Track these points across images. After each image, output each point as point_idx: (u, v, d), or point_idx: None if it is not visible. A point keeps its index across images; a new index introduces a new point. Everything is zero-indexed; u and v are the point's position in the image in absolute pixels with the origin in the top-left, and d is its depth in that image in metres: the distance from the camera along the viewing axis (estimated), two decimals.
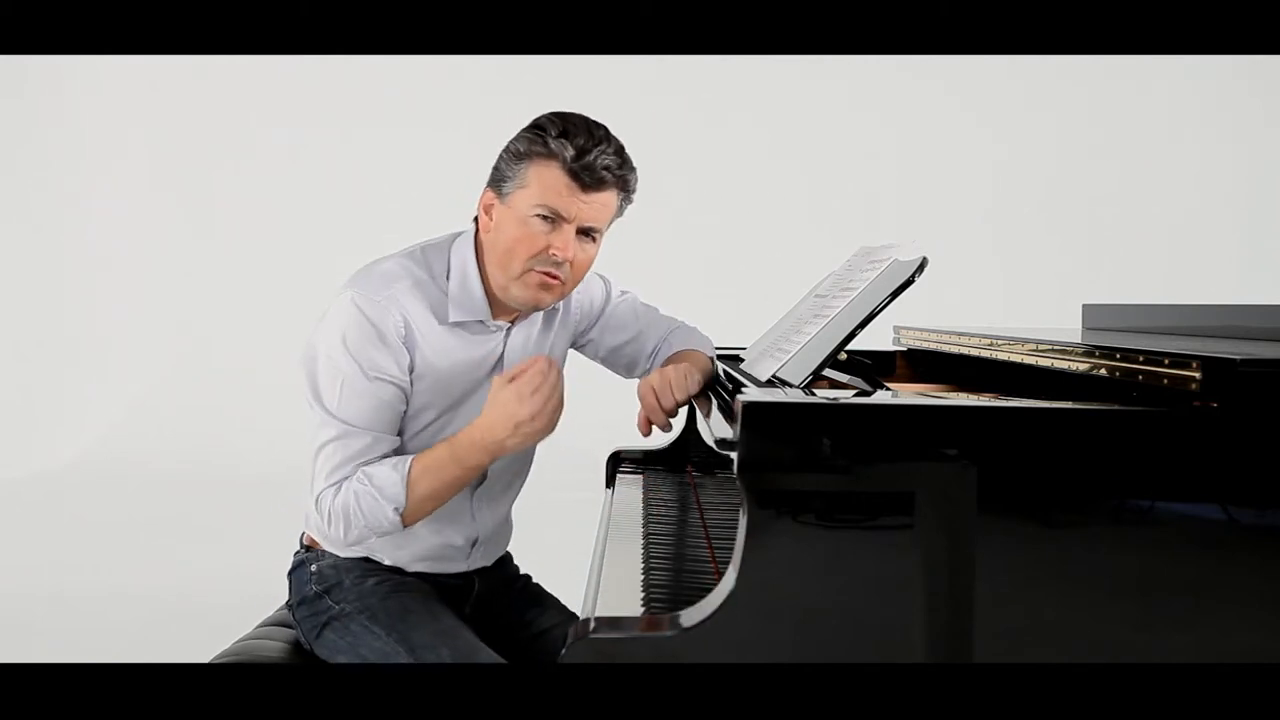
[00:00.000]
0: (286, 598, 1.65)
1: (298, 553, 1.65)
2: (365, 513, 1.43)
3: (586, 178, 1.43)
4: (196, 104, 5.91)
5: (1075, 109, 5.73)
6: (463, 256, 1.54)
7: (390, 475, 1.44)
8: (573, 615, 1.69)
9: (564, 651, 1.11)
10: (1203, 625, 1.11)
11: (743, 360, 1.78)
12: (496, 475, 1.65)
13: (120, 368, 5.85)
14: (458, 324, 1.53)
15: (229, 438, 5.50)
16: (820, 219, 5.56)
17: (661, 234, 4.88)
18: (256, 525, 4.16)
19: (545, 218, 1.44)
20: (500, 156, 1.50)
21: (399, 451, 1.52)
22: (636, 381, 1.54)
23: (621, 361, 1.79)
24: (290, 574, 1.65)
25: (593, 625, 1.13)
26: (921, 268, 1.37)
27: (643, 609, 1.29)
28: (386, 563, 1.59)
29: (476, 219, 1.56)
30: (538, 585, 1.80)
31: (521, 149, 1.46)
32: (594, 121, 1.47)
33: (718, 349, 2.07)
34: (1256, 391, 1.08)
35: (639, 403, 1.49)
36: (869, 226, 4.61)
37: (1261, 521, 1.11)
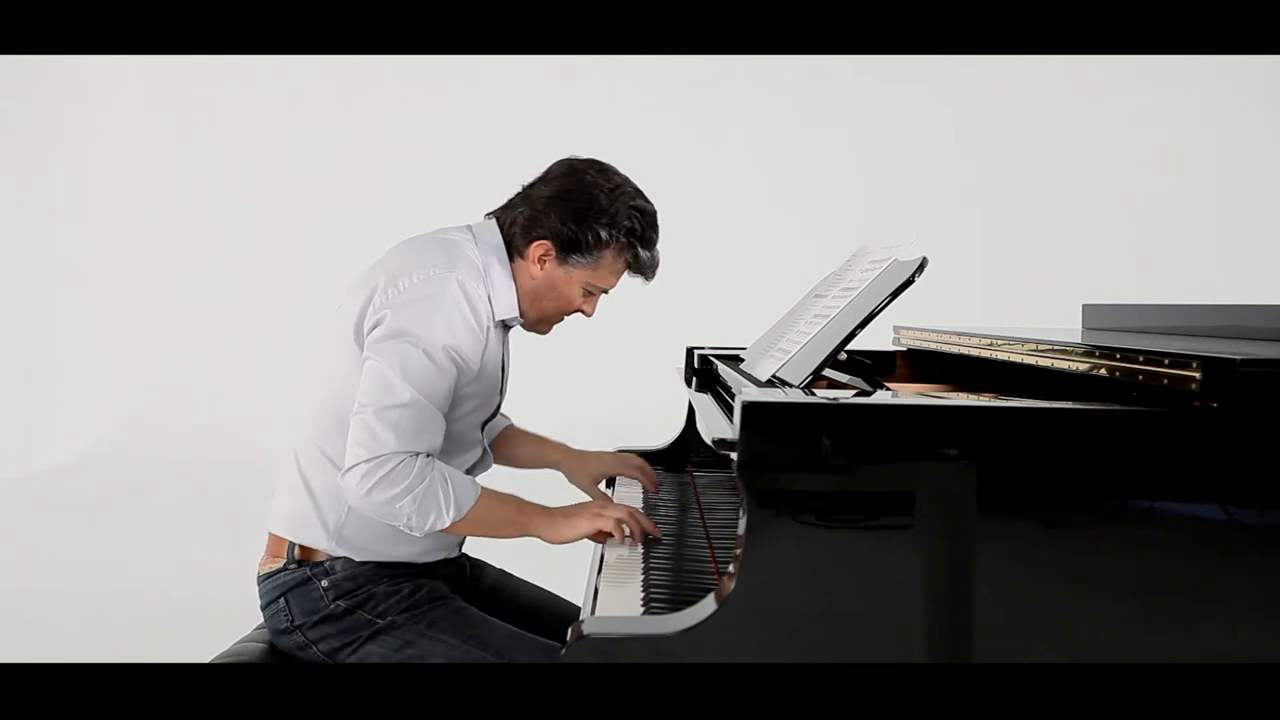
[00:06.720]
0: (265, 622, 1.59)
1: (288, 568, 1.56)
2: (436, 496, 1.44)
3: (645, 275, 1.65)
4: (196, 108, 5.91)
5: (1075, 109, 5.73)
6: (501, 261, 1.62)
7: (469, 486, 1.48)
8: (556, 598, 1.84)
9: (564, 651, 1.11)
10: (1202, 625, 1.11)
11: (743, 360, 1.78)
12: None
13: (121, 367, 5.85)
14: (499, 322, 1.63)
15: (230, 437, 5.50)
16: (820, 219, 5.56)
17: (660, 234, 4.88)
18: (258, 526, 4.16)
19: (591, 292, 1.64)
20: (578, 220, 1.57)
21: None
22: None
23: None
24: (284, 596, 1.55)
25: (592, 625, 1.13)
26: (921, 268, 1.37)
27: (643, 609, 1.29)
28: (398, 559, 1.58)
29: (512, 243, 1.63)
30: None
31: (610, 239, 1.58)
32: (658, 219, 1.65)
33: (718, 349, 2.08)
34: (1256, 391, 1.08)
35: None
36: (869, 226, 4.60)
37: (1261, 521, 1.11)
